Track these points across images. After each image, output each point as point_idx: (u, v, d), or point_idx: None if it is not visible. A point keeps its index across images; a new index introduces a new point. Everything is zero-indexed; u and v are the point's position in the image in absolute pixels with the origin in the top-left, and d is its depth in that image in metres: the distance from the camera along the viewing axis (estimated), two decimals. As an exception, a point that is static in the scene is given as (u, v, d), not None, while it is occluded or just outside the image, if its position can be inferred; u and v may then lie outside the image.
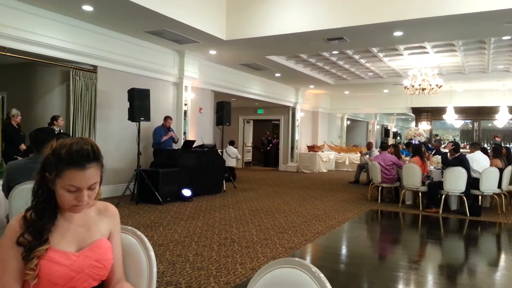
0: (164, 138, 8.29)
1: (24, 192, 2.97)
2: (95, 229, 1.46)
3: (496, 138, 13.10)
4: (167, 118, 8.46)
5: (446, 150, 8.83)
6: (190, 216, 6.38)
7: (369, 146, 12.35)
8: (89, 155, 1.33)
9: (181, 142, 9.02)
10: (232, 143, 12.09)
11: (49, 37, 6.64)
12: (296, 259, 1.31)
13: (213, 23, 7.73)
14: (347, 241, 5.72)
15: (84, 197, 1.33)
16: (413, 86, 10.43)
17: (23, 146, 6.46)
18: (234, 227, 5.67)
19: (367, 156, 11.45)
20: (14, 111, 6.68)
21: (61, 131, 6.83)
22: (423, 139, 12.53)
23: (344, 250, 5.27)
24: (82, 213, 1.44)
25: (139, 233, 1.65)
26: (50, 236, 1.34)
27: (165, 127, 8.43)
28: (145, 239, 1.63)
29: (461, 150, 7.60)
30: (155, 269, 1.59)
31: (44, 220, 1.34)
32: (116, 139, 7.90)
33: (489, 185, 7.05)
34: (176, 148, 8.58)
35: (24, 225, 1.33)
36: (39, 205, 1.36)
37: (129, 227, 1.66)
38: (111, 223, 1.52)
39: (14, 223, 1.35)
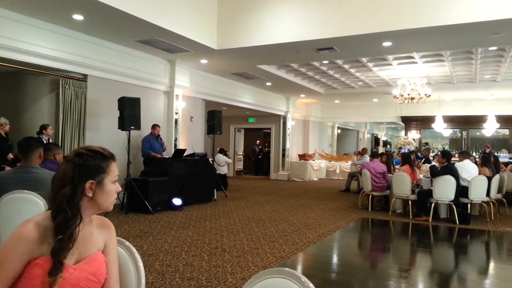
0: (153, 154, 8.22)
1: (12, 201, 2.92)
2: (93, 243, 1.46)
3: (486, 149, 13.22)
4: (155, 126, 8.42)
5: (435, 163, 8.95)
6: (180, 225, 6.33)
7: (363, 151, 12.48)
8: None
9: (172, 150, 8.99)
10: (221, 151, 12.04)
11: (39, 46, 6.61)
12: (286, 269, 1.31)
13: (204, 33, 7.76)
14: (338, 250, 5.73)
15: (119, 186, 1.52)
16: (402, 96, 10.55)
17: (10, 156, 6.37)
18: (224, 236, 5.64)
19: (360, 160, 11.60)
20: (3, 120, 6.60)
21: (50, 140, 6.77)
22: (412, 148, 12.65)
23: (335, 259, 5.27)
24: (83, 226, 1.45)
25: (127, 243, 1.64)
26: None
27: (153, 136, 8.39)
28: (134, 250, 1.62)
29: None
30: (143, 280, 1.58)
31: (71, 239, 1.35)
32: (106, 148, 7.83)
33: (477, 193, 7.12)
34: (167, 157, 8.54)
35: (53, 236, 1.32)
36: (73, 220, 1.36)
37: (118, 238, 1.65)
38: (106, 236, 1.52)
39: (32, 229, 1.32)
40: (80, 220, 1.38)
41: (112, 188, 1.46)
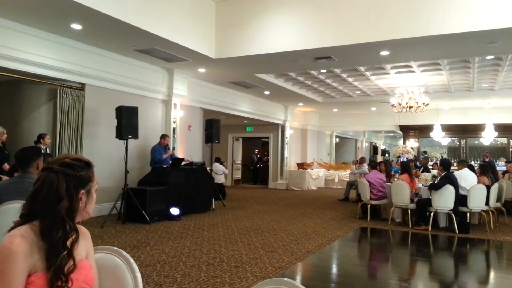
0: (165, 156, 8.37)
1: (9, 212, 2.89)
2: (77, 252, 1.44)
3: (485, 157, 13.22)
4: (164, 136, 8.56)
5: (435, 171, 8.91)
6: (178, 235, 6.28)
7: (362, 160, 12.48)
8: None
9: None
10: (217, 160, 12.02)
11: (36, 55, 6.61)
12: (285, 279, 1.29)
13: (202, 42, 7.78)
14: (337, 260, 5.68)
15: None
16: (400, 104, 10.57)
17: (6, 166, 6.31)
18: (223, 246, 5.59)
19: (359, 169, 11.60)
20: (0, 129, 6.57)
21: (48, 150, 6.73)
22: (411, 157, 12.64)
23: (334, 269, 5.23)
24: None
25: (125, 254, 1.62)
26: (41, 261, 1.31)
27: (162, 145, 8.44)
28: (131, 260, 1.60)
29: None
30: (141, 291, 1.55)
31: (72, 253, 1.36)
32: (103, 157, 7.81)
33: (477, 202, 7.09)
34: (164, 166, 8.52)
35: (41, 251, 1.30)
36: (72, 234, 1.37)
37: (115, 248, 1.63)
38: (86, 245, 1.52)
39: (22, 243, 1.28)
40: (76, 232, 1.38)
41: (95, 196, 1.49)
